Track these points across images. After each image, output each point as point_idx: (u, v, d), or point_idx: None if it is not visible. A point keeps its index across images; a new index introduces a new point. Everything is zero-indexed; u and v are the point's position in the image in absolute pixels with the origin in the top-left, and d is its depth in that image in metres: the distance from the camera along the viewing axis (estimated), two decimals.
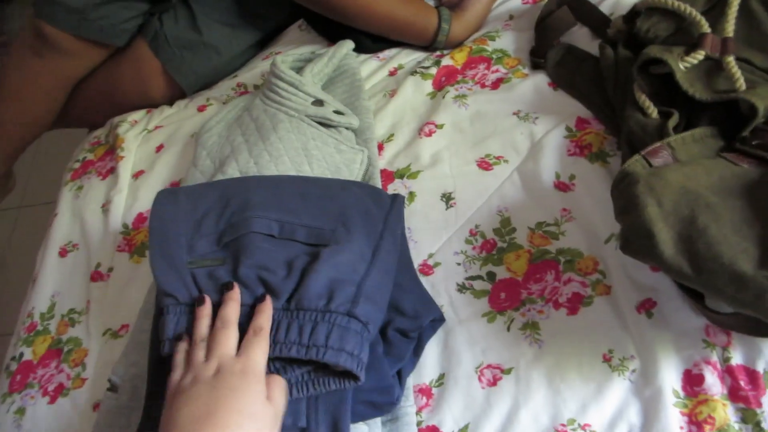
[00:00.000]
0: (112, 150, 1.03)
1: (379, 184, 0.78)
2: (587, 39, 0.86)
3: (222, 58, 1.08)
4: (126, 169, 0.96)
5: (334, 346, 0.53)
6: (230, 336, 0.54)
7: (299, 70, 0.89)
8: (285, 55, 0.96)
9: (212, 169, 0.83)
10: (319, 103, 0.83)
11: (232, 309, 0.56)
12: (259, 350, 0.53)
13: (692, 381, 0.59)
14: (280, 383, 0.54)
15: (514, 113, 0.80)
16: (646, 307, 0.63)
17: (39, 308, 0.87)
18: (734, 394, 0.58)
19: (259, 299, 0.57)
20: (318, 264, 0.58)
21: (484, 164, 0.77)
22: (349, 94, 0.88)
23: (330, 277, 0.57)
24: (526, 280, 0.68)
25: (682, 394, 0.59)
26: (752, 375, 0.58)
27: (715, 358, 0.59)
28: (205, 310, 0.57)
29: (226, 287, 0.58)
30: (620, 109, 0.73)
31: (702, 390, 0.58)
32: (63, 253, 0.92)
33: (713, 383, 0.58)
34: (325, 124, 0.82)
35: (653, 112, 0.67)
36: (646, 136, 0.65)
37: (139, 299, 0.78)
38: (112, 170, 0.98)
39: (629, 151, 0.66)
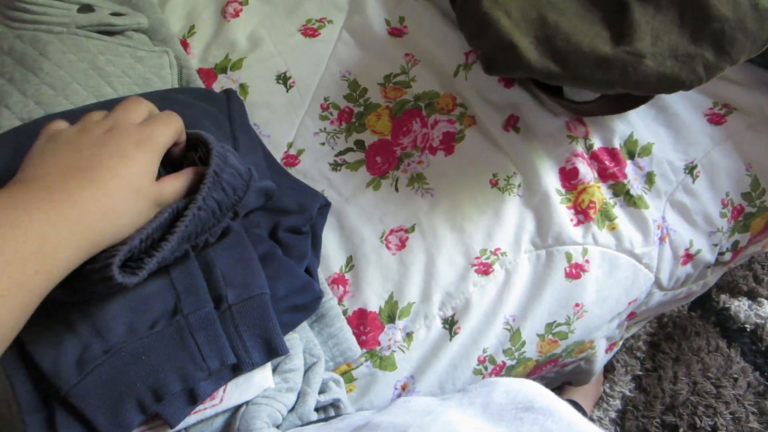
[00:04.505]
0: None
1: (200, 85, 0.67)
2: None
3: None
4: None
5: None
6: (140, 106, 0.44)
7: None
8: None
9: None
10: (87, 8, 0.66)
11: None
12: (166, 126, 0.43)
13: (569, 176, 0.63)
14: (182, 177, 0.45)
15: None
16: (511, 123, 0.65)
17: None
18: (603, 175, 0.64)
19: None
20: None
21: (309, 31, 0.70)
22: None
23: None
24: (395, 136, 0.65)
25: (563, 190, 0.63)
26: (612, 153, 0.64)
27: (580, 149, 0.64)
28: None
29: None
30: None
31: (579, 181, 0.63)
32: None
33: (586, 172, 0.63)
34: (107, 32, 0.66)
35: None
36: None
37: None
38: None
39: None
